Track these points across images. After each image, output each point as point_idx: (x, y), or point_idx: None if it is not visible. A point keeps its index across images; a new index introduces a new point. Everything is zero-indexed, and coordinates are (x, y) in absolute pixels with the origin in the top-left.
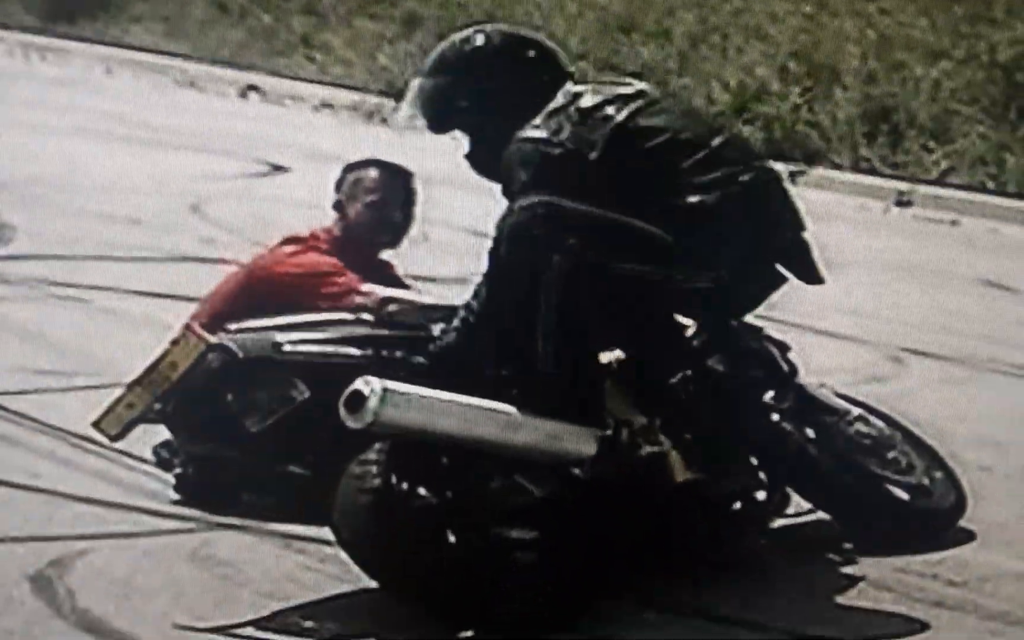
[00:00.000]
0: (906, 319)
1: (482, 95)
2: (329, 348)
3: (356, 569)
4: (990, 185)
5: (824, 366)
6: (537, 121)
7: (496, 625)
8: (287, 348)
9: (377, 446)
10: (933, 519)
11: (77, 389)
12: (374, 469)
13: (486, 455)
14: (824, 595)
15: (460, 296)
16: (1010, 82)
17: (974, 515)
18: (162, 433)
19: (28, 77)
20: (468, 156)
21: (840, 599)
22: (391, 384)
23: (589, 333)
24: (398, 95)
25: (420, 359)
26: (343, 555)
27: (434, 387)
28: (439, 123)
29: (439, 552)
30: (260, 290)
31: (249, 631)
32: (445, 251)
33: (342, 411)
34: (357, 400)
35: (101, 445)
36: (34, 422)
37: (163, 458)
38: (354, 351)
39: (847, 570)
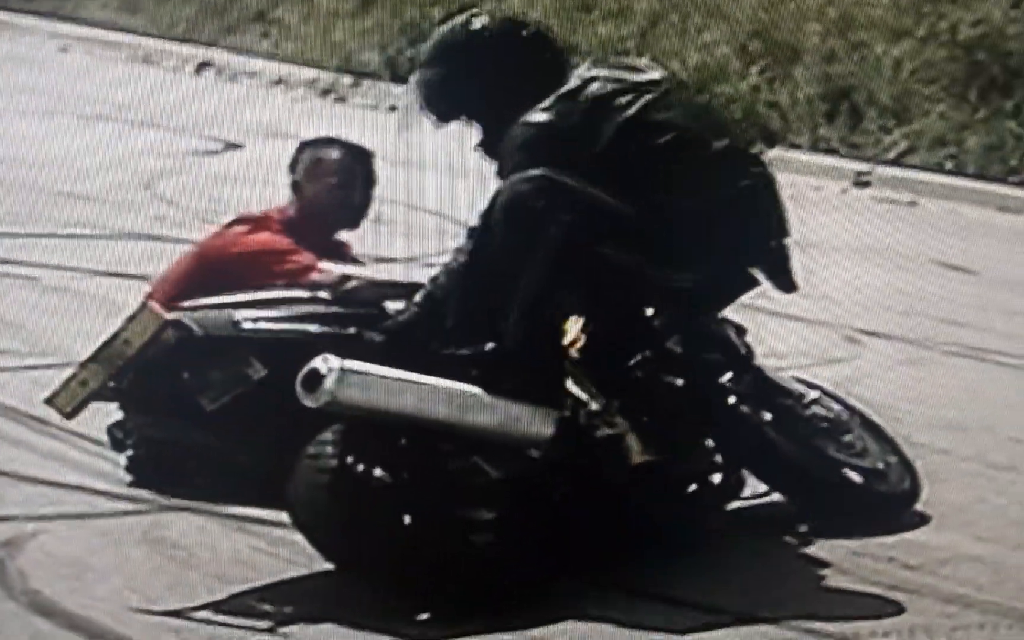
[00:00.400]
0: (863, 300)
1: (484, 81)
2: (286, 326)
3: (311, 551)
4: (949, 166)
5: (781, 348)
6: (546, 104)
7: (453, 606)
8: (245, 326)
9: (334, 426)
10: (889, 502)
11: (28, 368)
12: (330, 449)
13: (444, 435)
14: (780, 577)
15: (418, 275)
16: (971, 62)
17: (932, 498)
18: (116, 412)
19: None
20: (480, 145)
21: (796, 581)
22: (349, 363)
23: (561, 311)
24: (353, 72)
25: (378, 337)
26: (297, 537)
27: (392, 366)
28: (444, 114)
29: (396, 533)
30: (214, 269)
31: (204, 614)
32: (402, 231)
33: (299, 390)
34: (314, 379)
35: (53, 425)
36: None
37: (116, 438)
38: (312, 329)
39: (803, 552)
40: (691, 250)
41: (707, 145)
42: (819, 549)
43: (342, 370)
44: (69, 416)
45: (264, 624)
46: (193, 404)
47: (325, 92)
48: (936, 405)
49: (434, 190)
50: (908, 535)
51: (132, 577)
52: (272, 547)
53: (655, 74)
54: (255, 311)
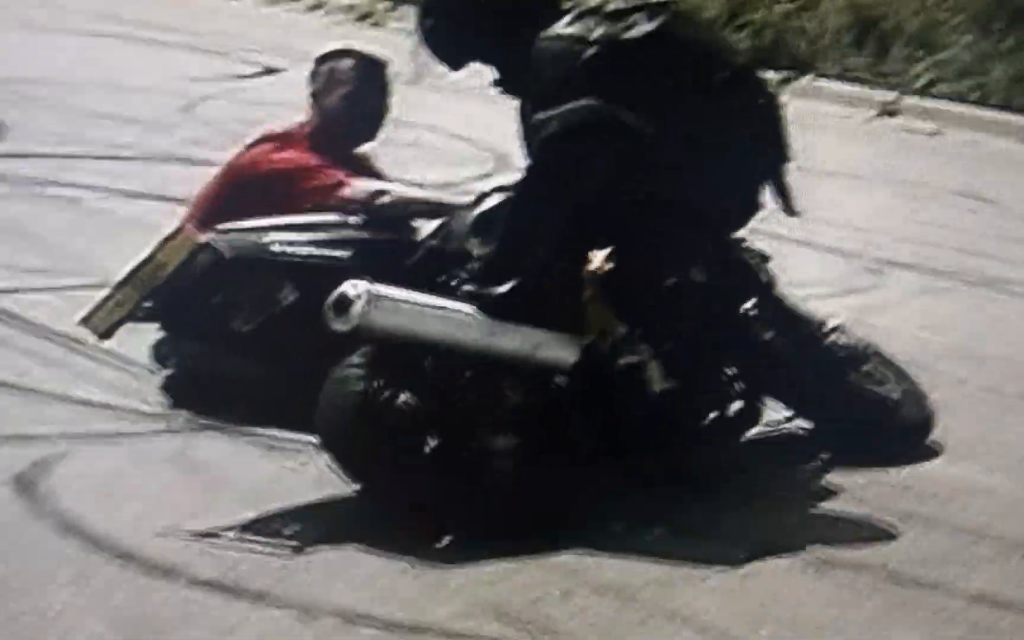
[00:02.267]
0: (886, 230)
1: (487, 19)
2: (317, 250)
3: (337, 473)
4: (973, 97)
5: (804, 277)
6: (566, 20)
7: (473, 530)
8: (275, 249)
9: (361, 350)
10: (905, 431)
11: (65, 288)
12: (358, 372)
13: (468, 361)
14: (795, 506)
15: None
16: None
17: (947, 428)
18: (143, 334)
19: None
20: (497, 83)
21: (811, 510)
22: (377, 288)
23: (595, 241)
24: None
25: (407, 262)
26: (324, 459)
27: (420, 291)
28: (454, 60)
29: (420, 456)
30: (243, 189)
31: (230, 536)
32: (435, 156)
33: (328, 314)
34: (344, 303)
35: (87, 345)
36: (21, 320)
37: (160, 354)
38: (342, 254)
39: (820, 482)
40: (711, 170)
41: (725, 64)
42: (834, 478)
43: (370, 295)
44: (103, 336)
45: (290, 546)
46: (225, 326)
47: (362, 17)
48: (955, 335)
49: (469, 116)
50: (923, 466)
51: (160, 498)
52: (300, 468)
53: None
54: (286, 235)
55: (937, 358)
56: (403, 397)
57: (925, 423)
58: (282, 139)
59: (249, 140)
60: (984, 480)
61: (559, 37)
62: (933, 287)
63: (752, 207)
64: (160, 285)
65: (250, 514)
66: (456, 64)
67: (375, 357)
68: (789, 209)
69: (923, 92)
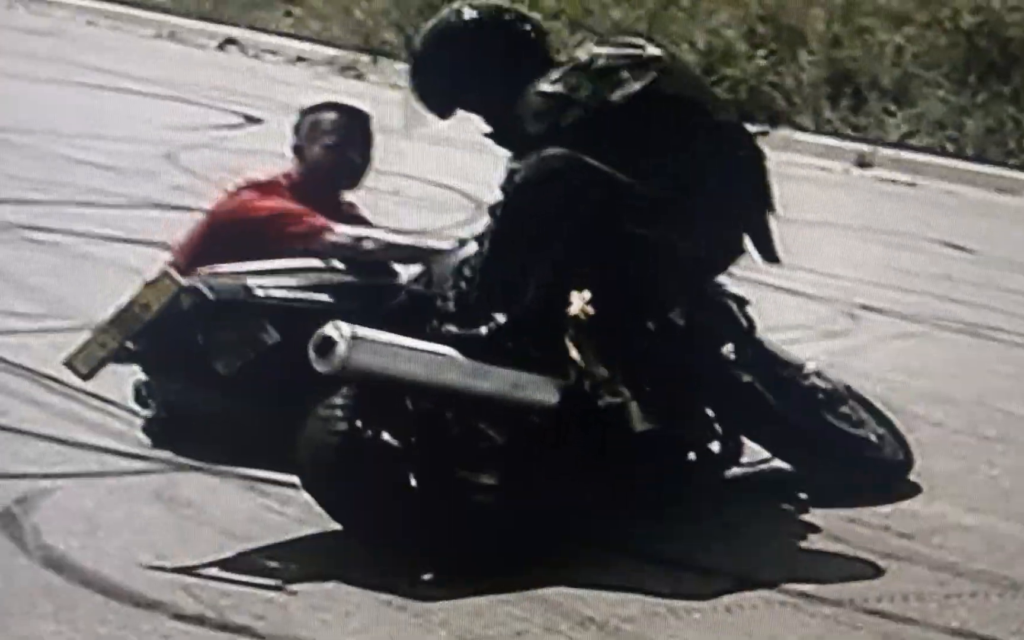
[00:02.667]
0: (863, 277)
1: (475, 73)
2: (300, 293)
3: (319, 511)
4: (949, 148)
5: (782, 321)
6: (555, 75)
7: (456, 567)
8: (258, 292)
9: (344, 390)
10: (884, 471)
11: (48, 331)
12: (340, 413)
13: (450, 401)
14: (776, 543)
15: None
16: (971, 47)
17: (925, 468)
18: (124, 377)
19: (10, 27)
20: (489, 136)
21: (792, 547)
22: (360, 329)
23: (575, 284)
24: (373, 50)
25: (388, 306)
26: (305, 497)
27: (401, 333)
28: (442, 110)
29: (401, 495)
30: (227, 234)
31: (214, 571)
32: (416, 204)
33: (311, 355)
34: (326, 345)
35: (69, 386)
36: (3, 362)
37: (141, 395)
38: (324, 297)
39: (799, 519)
40: (696, 219)
41: (710, 117)
42: (814, 516)
43: (353, 336)
44: (86, 377)
45: (272, 582)
46: (207, 368)
47: (345, 69)
48: (931, 378)
49: (449, 165)
50: (901, 504)
51: (143, 534)
52: (281, 507)
53: (655, 52)
54: (269, 279)
55: (913, 401)
56: (385, 436)
57: (904, 463)
58: (264, 186)
59: (231, 187)
60: (962, 518)
61: (544, 94)
62: (908, 332)
63: (733, 253)
64: (143, 327)
65: (233, 550)
66: (444, 113)
67: (357, 397)
68: (770, 257)
69: (899, 144)
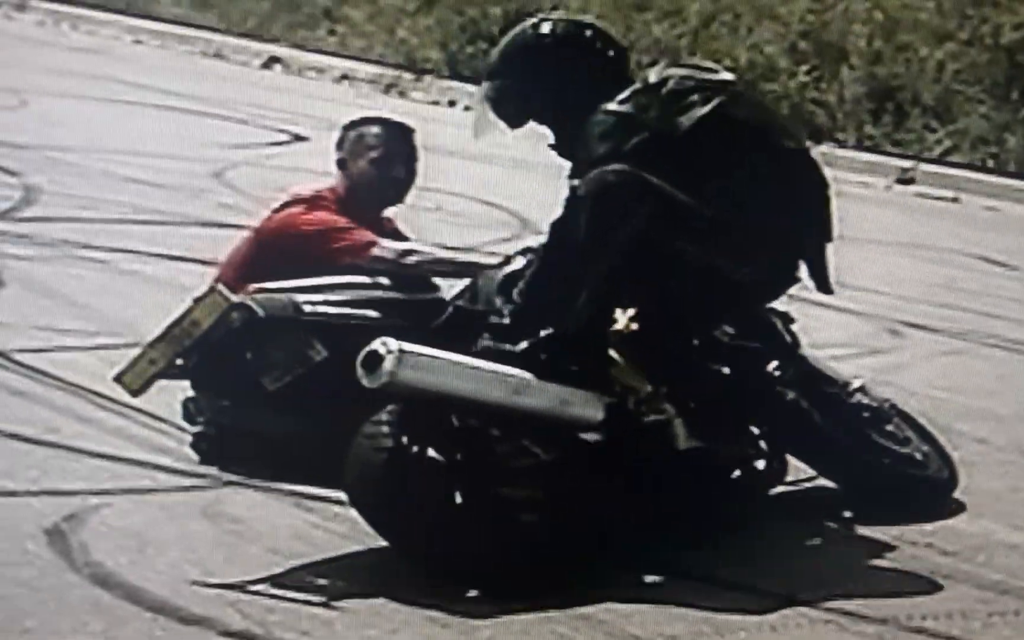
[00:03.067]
0: (906, 293)
1: (552, 85)
2: (347, 310)
3: (366, 528)
4: (991, 164)
5: (826, 338)
6: (624, 96)
7: (502, 584)
8: (307, 309)
9: (390, 407)
10: (929, 489)
11: (97, 348)
12: (386, 429)
13: (496, 417)
14: (820, 561)
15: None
16: (1013, 63)
17: (969, 486)
18: (172, 393)
19: (58, 46)
20: (553, 146)
21: (836, 565)
22: (407, 345)
23: (622, 301)
24: (416, 69)
25: (436, 321)
26: (352, 514)
27: (447, 349)
28: (515, 119)
29: (447, 512)
30: (273, 250)
31: (261, 588)
32: (458, 221)
33: (359, 371)
34: (374, 360)
35: (118, 403)
36: (54, 379)
37: (189, 412)
38: (371, 313)
39: (843, 537)
40: (753, 245)
41: (776, 145)
42: (859, 534)
43: (400, 352)
44: (136, 393)
45: (319, 598)
46: (256, 384)
47: (388, 87)
48: (975, 395)
49: (491, 182)
50: (945, 522)
51: (191, 551)
52: (328, 523)
53: (727, 75)
54: (317, 295)
55: (957, 418)
56: (431, 452)
57: (948, 481)
58: (310, 201)
59: (277, 203)
60: (1007, 536)
61: (612, 113)
62: (952, 348)
63: (788, 281)
64: (193, 343)
65: (280, 567)
66: (515, 123)
67: (403, 414)
68: (824, 287)
69: (940, 160)
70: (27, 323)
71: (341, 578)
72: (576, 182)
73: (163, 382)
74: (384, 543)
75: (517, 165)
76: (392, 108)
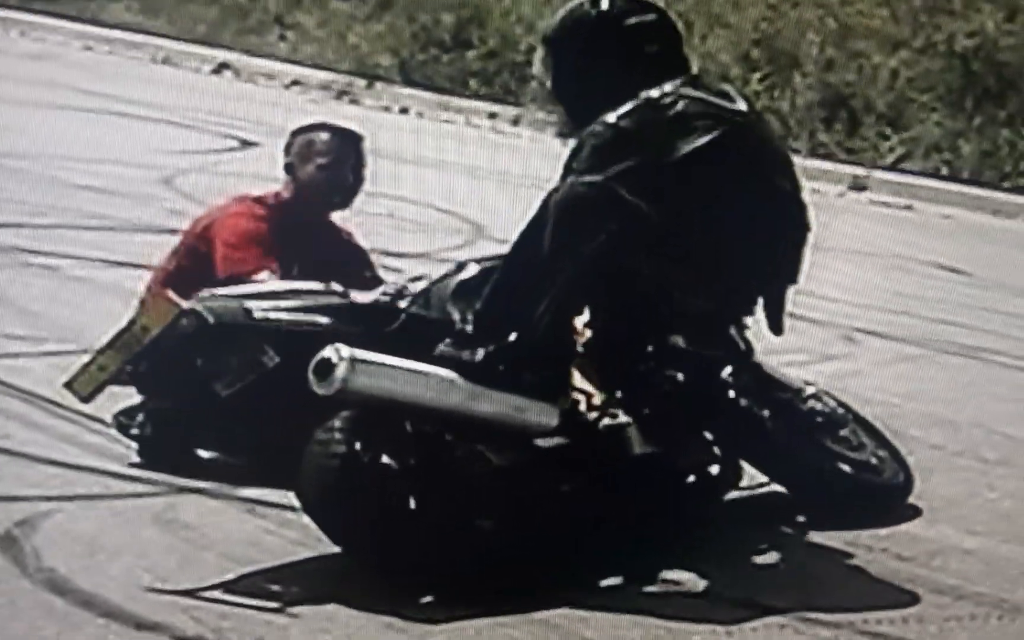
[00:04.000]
0: (860, 300)
1: (612, 62)
2: (299, 316)
3: (319, 533)
4: (944, 171)
5: (780, 345)
6: (629, 107)
7: (456, 589)
8: (258, 315)
9: (343, 413)
10: (883, 495)
11: (47, 354)
12: (339, 436)
13: (450, 424)
14: (776, 566)
15: (426, 270)
16: (967, 71)
17: (924, 491)
18: (123, 399)
19: (7, 53)
20: (566, 121)
21: (791, 570)
22: (360, 352)
23: (580, 308)
24: (367, 75)
25: (389, 328)
26: (305, 520)
27: (402, 356)
28: (573, 96)
29: (401, 518)
30: (194, 255)
31: (215, 594)
32: (411, 227)
33: (311, 378)
34: (326, 367)
35: (69, 409)
36: (4, 385)
37: (122, 424)
38: (323, 319)
39: (799, 542)
40: (715, 277)
41: (768, 186)
42: (814, 539)
43: (353, 359)
44: (86, 400)
45: (273, 604)
46: (208, 389)
47: (340, 94)
48: (930, 401)
49: (444, 189)
50: (901, 527)
51: (144, 556)
52: (281, 529)
53: (742, 105)
54: (267, 302)
55: (912, 424)
56: (384, 459)
57: (902, 486)
58: (252, 202)
59: (216, 204)
60: (962, 541)
61: (610, 127)
62: (907, 355)
63: (742, 314)
64: (143, 349)
65: (233, 573)
66: (573, 99)
67: (356, 420)
68: (777, 329)
69: (894, 167)
70: None
71: (295, 584)
72: (552, 188)
73: (114, 388)
74: (338, 549)
75: (470, 172)
76: (344, 114)
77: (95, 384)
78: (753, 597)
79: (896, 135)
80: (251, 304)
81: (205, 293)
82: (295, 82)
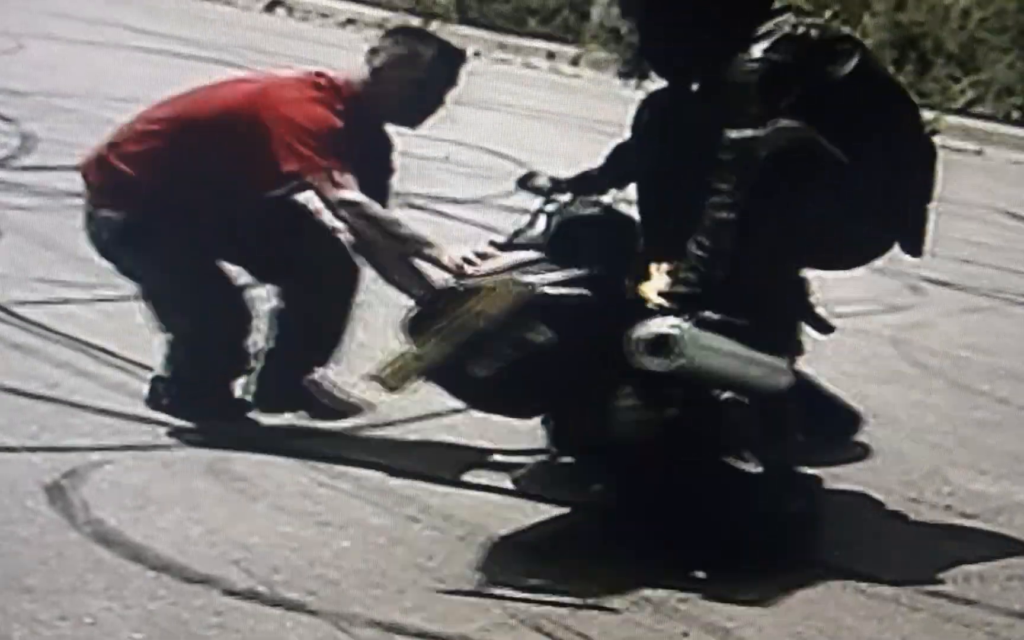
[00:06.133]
0: (928, 248)
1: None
2: (564, 289)
3: (370, 485)
4: (1016, 116)
5: (846, 296)
6: (767, 45)
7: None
8: (548, 291)
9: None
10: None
11: (97, 301)
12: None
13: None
14: (837, 525)
15: (479, 216)
16: None
17: (990, 446)
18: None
19: None
20: (623, 74)
21: (850, 530)
22: (695, 330)
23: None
24: (423, 13)
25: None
26: (357, 472)
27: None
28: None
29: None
30: (206, 133)
31: (266, 545)
32: (466, 172)
33: (642, 354)
34: (665, 343)
35: (119, 357)
36: (54, 332)
37: (157, 392)
38: (583, 291)
39: (859, 497)
40: (876, 202)
41: (906, 102)
42: (876, 494)
43: (693, 337)
44: (394, 390)
45: (324, 557)
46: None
47: None
48: (997, 354)
49: (501, 132)
50: (965, 484)
51: (195, 509)
52: (334, 481)
53: (847, 32)
54: (541, 275)
55: (979, 378)
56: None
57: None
58: (327, 88)
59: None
60: None
61: (764, 61)
62: (974, 305)
63: (892, 240)
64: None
65: (286, 526)
66: (678, 76)
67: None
68: (916, 251)
69: (964, 111)
70: (25, 275)
71: (347, 538)
72: (741, 134)
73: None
74: (389, 503)
75: (528, 114)
76: None
77: (407, 375)
78: (816, 556)
79: (967, 78)
80: (531, 279)
81: (527, 269)
82: (350, 21)
